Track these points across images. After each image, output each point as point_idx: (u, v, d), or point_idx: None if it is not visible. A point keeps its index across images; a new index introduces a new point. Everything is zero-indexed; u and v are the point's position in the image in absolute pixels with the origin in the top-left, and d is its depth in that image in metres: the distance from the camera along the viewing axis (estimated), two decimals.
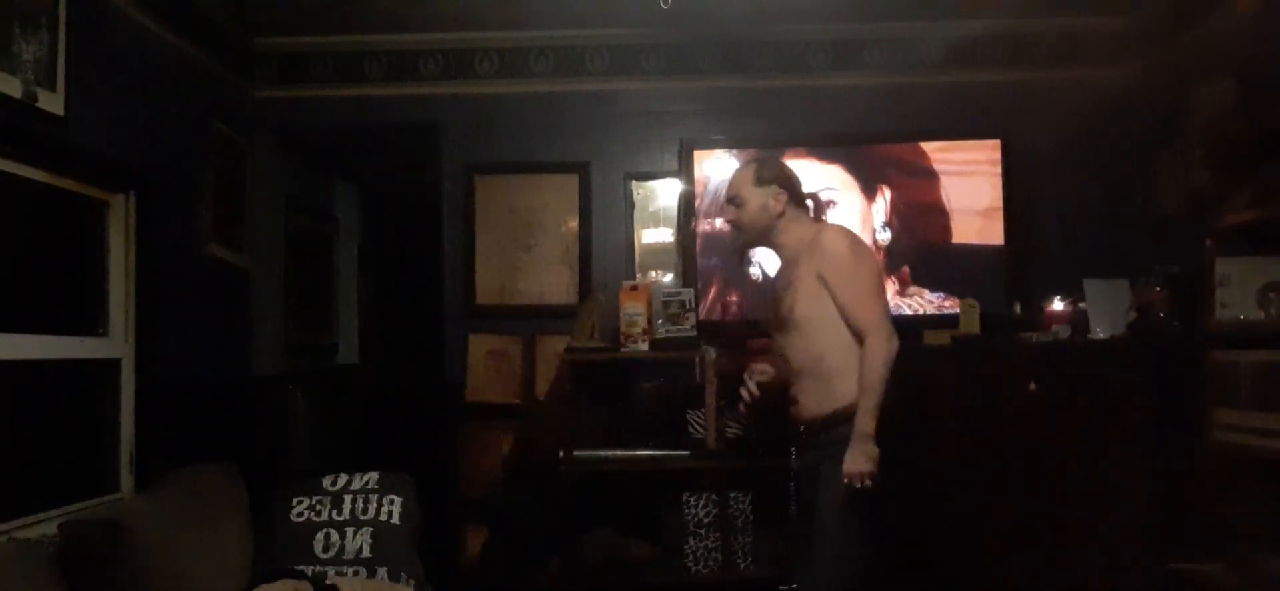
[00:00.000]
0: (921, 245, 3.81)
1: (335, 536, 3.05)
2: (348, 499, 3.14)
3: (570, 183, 4.10)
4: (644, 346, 3.52)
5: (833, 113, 4.03)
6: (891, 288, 3.73)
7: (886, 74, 4.05)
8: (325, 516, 3.09)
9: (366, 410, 5.08)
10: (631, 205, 4.12)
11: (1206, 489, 2.96)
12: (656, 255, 4.12)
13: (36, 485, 2.69)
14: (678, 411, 3.64)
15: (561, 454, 3.47)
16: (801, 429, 2.60)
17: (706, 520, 3.56)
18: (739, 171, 2.80)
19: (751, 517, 3.58)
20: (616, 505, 3.62)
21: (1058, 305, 3.57)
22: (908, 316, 3.70)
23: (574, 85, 4.11)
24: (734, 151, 3.87)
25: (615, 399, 3.80)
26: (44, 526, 2.50)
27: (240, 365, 3.96)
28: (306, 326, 4.78)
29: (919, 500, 3.17)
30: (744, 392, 2.79)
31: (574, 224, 4.10)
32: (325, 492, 3.16)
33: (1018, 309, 3.70)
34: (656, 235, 4.13)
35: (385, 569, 3.02)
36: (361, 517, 3.10)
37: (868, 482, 2.34)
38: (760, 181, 2.68)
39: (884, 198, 3.85)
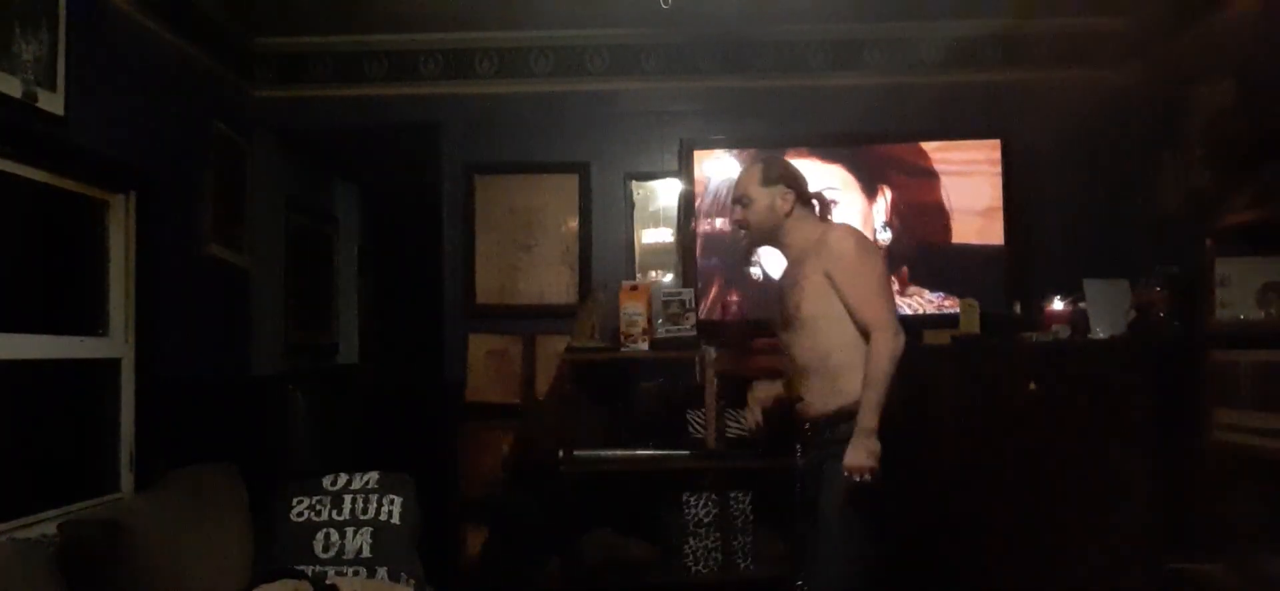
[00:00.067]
0: (921, 245, 3.82)
1: (335, 536, 3.05)
2: (348, 499, 3.14)
3: (570, 183, 4.10)
4: (644, 346, 3.52)
5: (833, 113, 4.03)
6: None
7: (886, 74, 4.05)
8: (325, 516, 3.09)
9: (366, 410, 5.09)
10: (631, 205, 4.12)
11: (1206, 489, 2.96)
12: (656, 255, 4.12)
13: (36, 485, 2.69)
14: (678, 411, 3.64)
15: (561, 454, 3.47)
16: (807, 426, 2.60)
17: (706, 520, 3.56)
18: (745, 171, 2.80)
19: (751, 517, 3.58)
20: (616, 505, 3.62)
21: (1058, 305, 3.57)
22: (908, 316, 3.69)
23: (574, 85, 4.11)
24: (734, 151, 3.87)
25: (615, 399, 3.80)
26: (44, 526, 2.50)
27: (240, 365, 3.96)
28: (306, 326, 4.78)
29: (919, 500, 3.17)
30: (750, 420, 2.80)
31: (574, 224, 4.10)
32: (325, 492, 3.16)
33: (1018, 309, 3.70)
34: (656, 235, 4.13)
35: (385, 569, 3.02)
36: (361, 517, 3.10)
37: (867, 477, 2.35)
38: (767, 181, 2.68)
39: (884, 197, 3.85)
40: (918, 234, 3.82)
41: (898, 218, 3.84)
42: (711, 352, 3.50)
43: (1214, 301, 2.91)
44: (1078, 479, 3.34)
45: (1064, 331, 3.49)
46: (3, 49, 2.42)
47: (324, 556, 3.02)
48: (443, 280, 4.14)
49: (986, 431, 3.38)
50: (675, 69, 4.09)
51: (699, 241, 3.86)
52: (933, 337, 3.55)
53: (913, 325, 3.49)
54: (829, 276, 2.50)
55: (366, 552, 3.03)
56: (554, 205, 4.11)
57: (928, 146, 3.86)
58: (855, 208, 3.81)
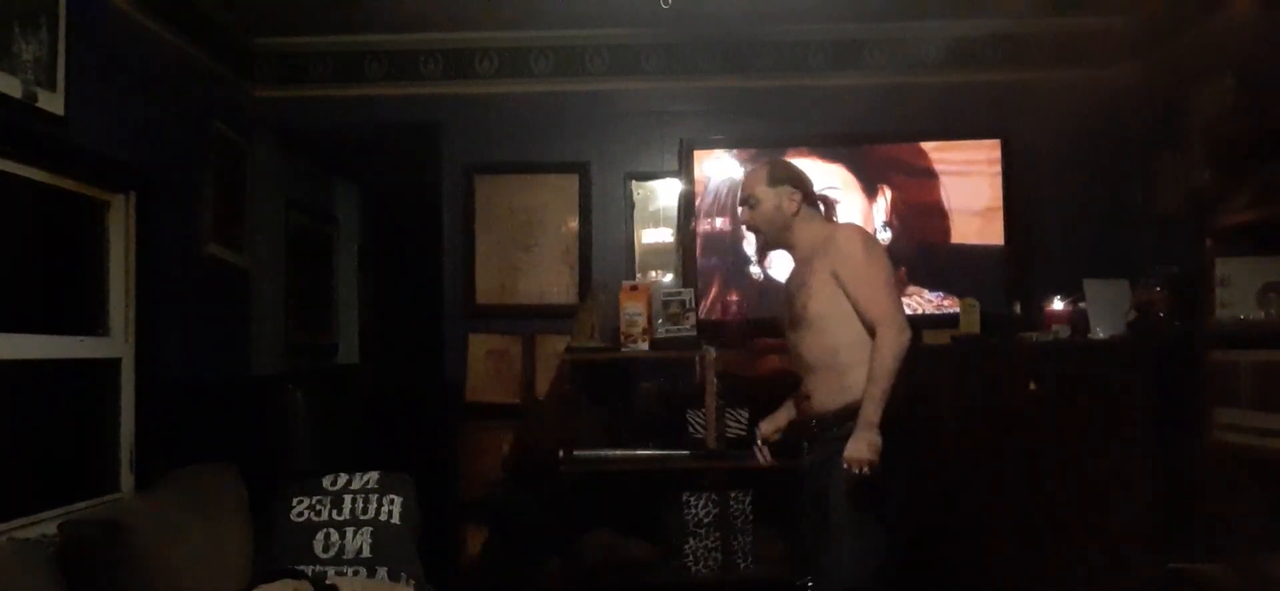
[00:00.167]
0: (921, 245, 3.81)
1: (335, 536, 3.05)
2: (348, 499, 3.13)
3: (570, 183, 4.10)
4: (644, 346, 3.52)
5: (833, 113, 4.03)
6: None
7: (886, 74, 4.05)
8: (325, 516, 3.09)
9: (366, 410, 5.08)
10: (631, 205, 4.12)
11: (1206, 489, 2.96)
12: (656, 255, 4.12)
13: (36, 485, 2.69)
14: (678, 411, 3.64)
15: (561, 454, 3.47)
16: (814, 423, 2.60)
17: (706, 520, 3.56)
18: (751, 172, 2.81)
19: (751, 517, 3.58)
20: (616, 505, 3.62)
21: (1058, 305, 3.57)
22: (907, 316, 3.69)
23: (574, 85, 4.11)
24: (734, 151, 3.87)
25: (615, 399, 3.80)
26: (44, 526, 2.50)
27: (240, 365, 3.96)
28: (306, 326, 4.78)
29: (919, 499, 3.16)
30: (760, 457, 2.81)
31: (574, 224, 4.10)
32: (325, 492, 3.15)
33: (1018, 309, 3.70)
34: (656, 235, 4.13)
35: (385, 569, 3.01)
36: (361, 517, 3.09)
37: (867, 470, 2.35)
38: (774, 181, 2.69)
39: (884, 197, 3.85)
40: (917, 234, 3.82)
41: (897, 217, 3.84)
42: (711, 352, 3.50)
43: (1214, 301, 2.91)
44: (1078, 479, 3.34)
45: (1064, 331, 3.50)
46: (3, 49, 2.42)
47: (324, 556, 3.02)
48: (443, 280, 4.14)
49: (986, 431, 3.39)
50: (675, 69, 4.09)
51: (699, 241, 3.86)
52: (933, 337, 3.55)
53: (912, 325, 3.50)
54: (836, 275, 2.52)
55: (366, 552, 3.03)
56: (554, 205, 4.11)
57: (927, 146, 3.86)
58: (855, 208, 3.81)
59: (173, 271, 3.30)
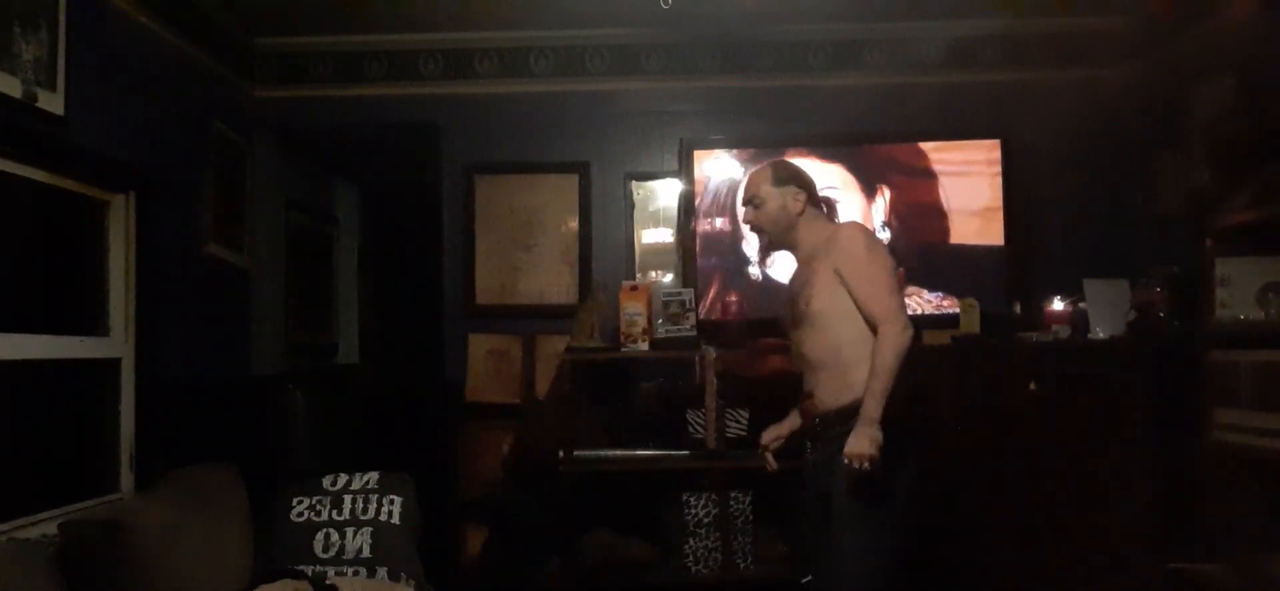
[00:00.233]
0: (920, 245, 3.81)
1: (335, 536, 3.05)
2: (348, 499, 3.14)
3: (570, 183, 4.11)
4: (644, 346, 3.52)
5: (833, 113, 4.03)
6: None
7: (886, 74, 4.05)
8: (325, 516, 3.09)
9: (366, 410, 5.08)
10: (631, 205, 4.12)
11: (1206, 489, 2.96)
12: (656, 255, 4.12)
13: (36, 485, 2.69)
14: (678, 411, 3.64)
15: (561, 454, 3.47)
16: (817, 421, 2.61)
17: (706, 520, 3.56)
18: (755, 172, 2.81)
19: (751, 517, 3.58)
20: (616, 505, 3.62)
21: (1058, 305, 3.57)
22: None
23: (574, 85, 4.11)
24: (734, 151, 3.88)
25: (615, 399, 3.80)
26: (44, 526, 2.50)
27: (240, 365, 3.96)
28: (306, 326, 4.78)
29: (919, 499, 3.16)
30: (769, 464, 2.80)
31: (574, 224, 4.10)
32: (325, 492, 3.15)
33: (1018, 309, 3.70)
34: (656, 235, 4.13)
35: (385, 569, 3.02)
36: (361, 517, 3.09)
37: (866, 465, 2.35)
38: (779, 181, 2.69)
39: (883, 197, 3.85)
40: (916, 234, 3.82)
41: (896, 217, 3.84)
42: (711, 352, 3.50)
43: (1214, 301, 2.91)
44: (1078, 479, 3.34)
45: (1064, 331, 3.50)
46: (3, 49, 2.42)
47: (324, 556, 3.02)
48: (443, 280, 4.14)
49: (986, 431, 3.38)
50: (675, 69, 4.09)
51: (699, 241, 3.86)
52: (933, 337, 3.55)
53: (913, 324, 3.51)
54: (839, 273, 2.53)
55: (366, 552, 3.03)
56: (554, 205, 4.11)
57: (926, 147, 3.86)
58: (854, 208, 3.81)
59: (173, 271, 3.30)
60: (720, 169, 3.87)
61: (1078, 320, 3.52)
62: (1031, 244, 3.90)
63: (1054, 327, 3.52)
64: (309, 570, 2.94)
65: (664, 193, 4.12)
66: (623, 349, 3.52)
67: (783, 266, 3.69)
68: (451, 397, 4.04)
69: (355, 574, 2.97)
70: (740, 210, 2.97)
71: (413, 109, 4.14)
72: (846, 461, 2.38)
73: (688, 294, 3.60)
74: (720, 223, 3.86)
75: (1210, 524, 2.94)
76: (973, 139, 3.86)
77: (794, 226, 2.69)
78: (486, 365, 4.05)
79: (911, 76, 4.03)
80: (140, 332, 3.05)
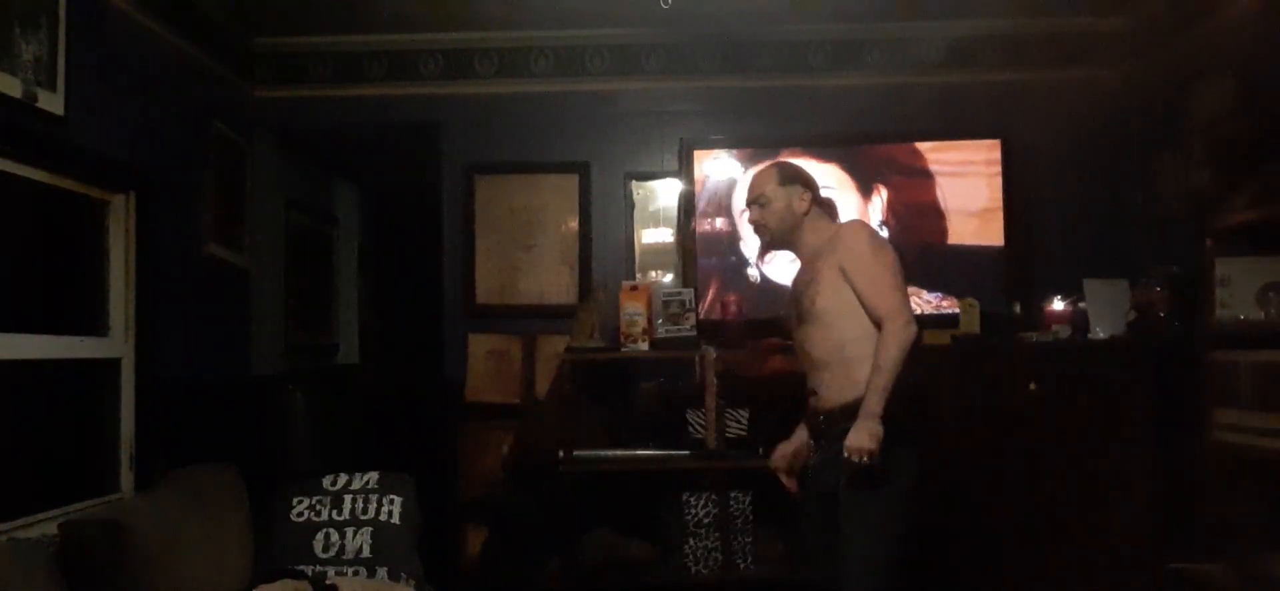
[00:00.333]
0: (917, 245, 3.80)
1: (335, 536, 3.05)
2: (348, 499, 3.14)
3: (570, 183, 4.10)
4: (644, 346, 3.52)
5: (833, 113, 4.03)
6: None
7: (886, 74, 4.05)
8: (325, 516, 3.09)
9: (366, 410, 5.08)
10: (631, 205, 4.12)
11: (1206, 489, 2.96)
12: (656, 255, 4.12)
13: (36, 485, 2.69)
14: (678, 411, 3.64)
15: (561, 454, 3.47)
16: (821, 419, 2.61)
17: (706, 520, 3.56)
18: (759, 172, 2.82)
19: (751, 517, 3.58)
20: (616, 505, 3.62)
21: (1058, 305, 3.57)
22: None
23: (574, 85, 4.11)
24: (734, 151, 3.88)
25: (615, 399, 3.80)
26: (44, 526, 2.50)
27: (240, 365, 3.96)
28: (306, 326, 4.78)
29: (920, 499, 3.16)
30: (789, 488, 2.79)
31: (574, 224, 4.10)
32: (325, 492, 3.16)
33: (1018, 309, 3.70)
34: (656, 235, 4.13)
35: (385, 569, 3.02)
36: (361, 517, 3.10)
37: (866, 459, 2.36)
38: (784, 181, 2.70)
39: (880, 197, 3.85)
40: (913, 234, 3.81)
41: (893, 217, 3.84)
42: (711, 352, 3.50)
43: (1214, 301, 2.91)
44: (1078, 479, 3.34)
45: (1064, 331, 3.50)
46: (3, 49, 2.42)
47: (324, 556, 3.02)
48: (443, 280, 4.14)
49: (986, 431, 3.38)
50: (675, 69, 4.09)
51: (698, 241, 3.85)
52: (933, 338, 3.54)
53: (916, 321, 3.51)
54: (843, 271, 2.54)
55: (366, 552, 3.04)
56: (554, 205, 4.11)
57: (923, 147, 3.86)
58: (850, 207, 3.81)
59: (173, 271, 3.30)
60: (720, 169, 3.87)
61: (1078, 320, 3.52)
62: (1031, 244, 3.90)
63: (1054, 327, 3.52)
64: (309, 570, 2.94)
65: (664, 193, 4.12)
66: (623, 349, 3.52)
67: (782, 266, 3.70)
68: (451, 397, 4.04)
69: (355, 574, 2.97)
70: (741, 210, 2.97)
71: (413, 109, 4.14)
72: (846, 456, 2.38)
73: (688, 294, 3.60)
74: (720, 223, 3.86)
75: (1210, 524, 2.94)
76: (973, 139, 3.86)
77: (799, 226, 2.70)
78: (486, 365, 4.05)
79: (911, 76, 4.03)
80: (140, 333, 3.05)
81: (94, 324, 2.97)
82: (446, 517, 3.87)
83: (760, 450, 3.44)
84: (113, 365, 3.00)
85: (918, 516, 2.54)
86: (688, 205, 3.90)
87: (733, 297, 3.78)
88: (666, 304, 3.57)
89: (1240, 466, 2.82)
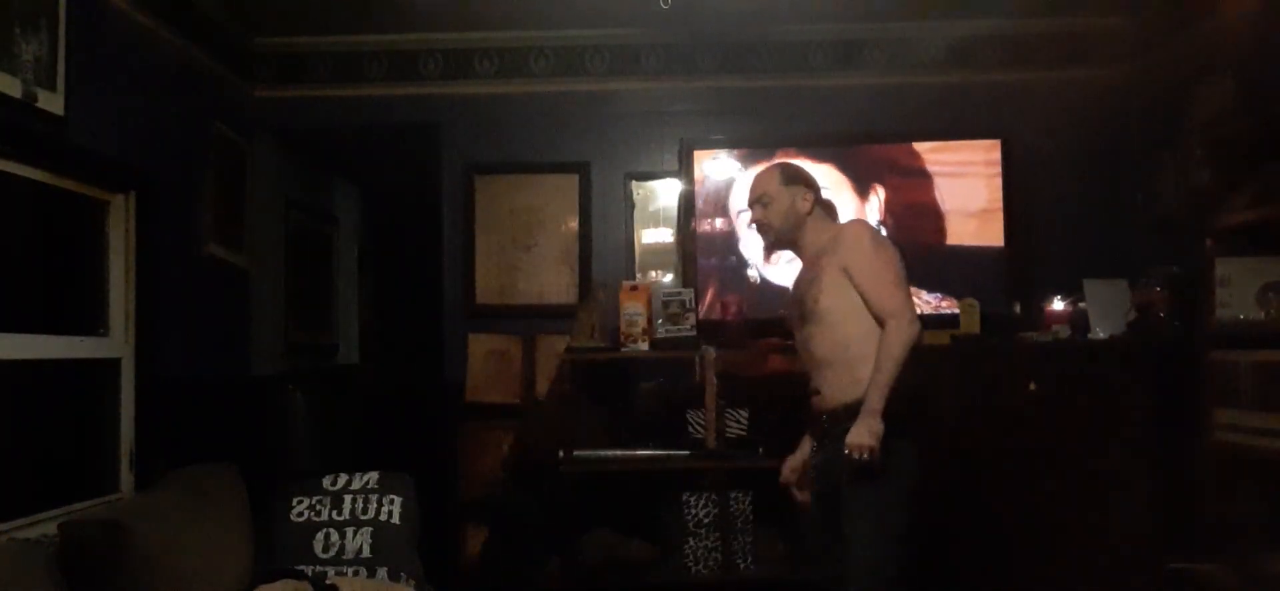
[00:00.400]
0: (915, 245, 3.79)
1: (335, 536, 3.05)
2: (348, 499, 3.14)
3: (570, 183, 4.10)
4: (644, 346, 3.52)
5: (833, 113, 4.03)
6: None
7: (886, 74, 4.05)
8: (325, 516, 3.09)
9: (366, 410, 5.08)
10: (631, 205, 4.12)
11: (1206, 489, 2.96)
12: (656, 255, 4.13)
13: (36, 485, 2.69)
14: (678, 411, 3.64)
15: (561, 454, 3.47)
16: (824, 418, 2.61)
17: (706, 520, 3.56)
18: (762, 173, 2.83)
19: (751, 517, 3.58)
20: (616, 505, 3.62)
21: (1058, 305, 3.57)
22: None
23: (574, 85, 4.11)
24: (734, 151, 3.88)
25: (615, 399, 3.80)
26: (44, 526, 2.50)
27: (240, 365, 3.96)
28: (306, 326, 4.78)
29: (920, 499, 3.17)
30: (801, 502, 2.79)
31: (574, 224, 4.10)
32: (325, 492, 3.15)
33: (1018, 309, 3.70)
34: (656, 235, 4.13)
35: (385, 569, 3.02)
36: (361, 517, 3.10)
37: (866, 456, 2.36)
38: (787, 181, 2.71)
39: (877, 197, 3.85)
40: (911, 234, 3.80)
41: (891, 217, 3.83)
42: (711, 352, 3.50)
43: (1214, 301, 2.91)
44: (1078, 479, 3.34)
45: (1064, 331, 3.49)
46: (3, 49, 2.42)
47: (324, 556, 3.02)
48: (443, 280, 4.14)
49: (986, 431, 3.38)
50: (675, 69, 4.09)
51: (698, 241, 3.85)
52: (933, 338, 3.53)
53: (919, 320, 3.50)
54: (845, 270, 2.55)
55: (366, 552, 3.03)
56: (554, 205, 4.11)
57: (920, 147, 3.86)
58: (848, 208, 3.79)
59: (173, 271, 3.30)
60: (720, 169, 3.87)
61: (1078, 320, 3.52)
62: (1031, 244, 3.89)
63: (1054, 327, 3.52)
64: (309, 570, 2.94)
65: (664, 193, 4.12)
66: (623, 349, 3.52)
67: (782, 267, 3.70)
68: (451, 397, 4.04)
69: (355, 574, 2.97)
70: (741, 211, 2.97)
71: (413, 109, 4.14)
72: (847, 453, 2.39)
73: (688, 294, 3.60)
74: (720, 223, 3.86)
75: (1210, 524, 2.94)
76: (972, 139, 3.86)
77: (802, 226, 2.71)
78: (486, 365, 4.05)
79: (911, 76, 4.03)
80: (140, 333, 3.05)
81: (94, 324, 2.96)
82: (446, 517, 3.87)
83: (760, 450, 3.46)
84: (113, 365, 3.00)
85: (919, 515, 2.54)
86: (688, 205, 3.90)
87: (732, 298, 3.78)
88: (666, 304, 3.57)
89: (1240, 466, 2.82)
